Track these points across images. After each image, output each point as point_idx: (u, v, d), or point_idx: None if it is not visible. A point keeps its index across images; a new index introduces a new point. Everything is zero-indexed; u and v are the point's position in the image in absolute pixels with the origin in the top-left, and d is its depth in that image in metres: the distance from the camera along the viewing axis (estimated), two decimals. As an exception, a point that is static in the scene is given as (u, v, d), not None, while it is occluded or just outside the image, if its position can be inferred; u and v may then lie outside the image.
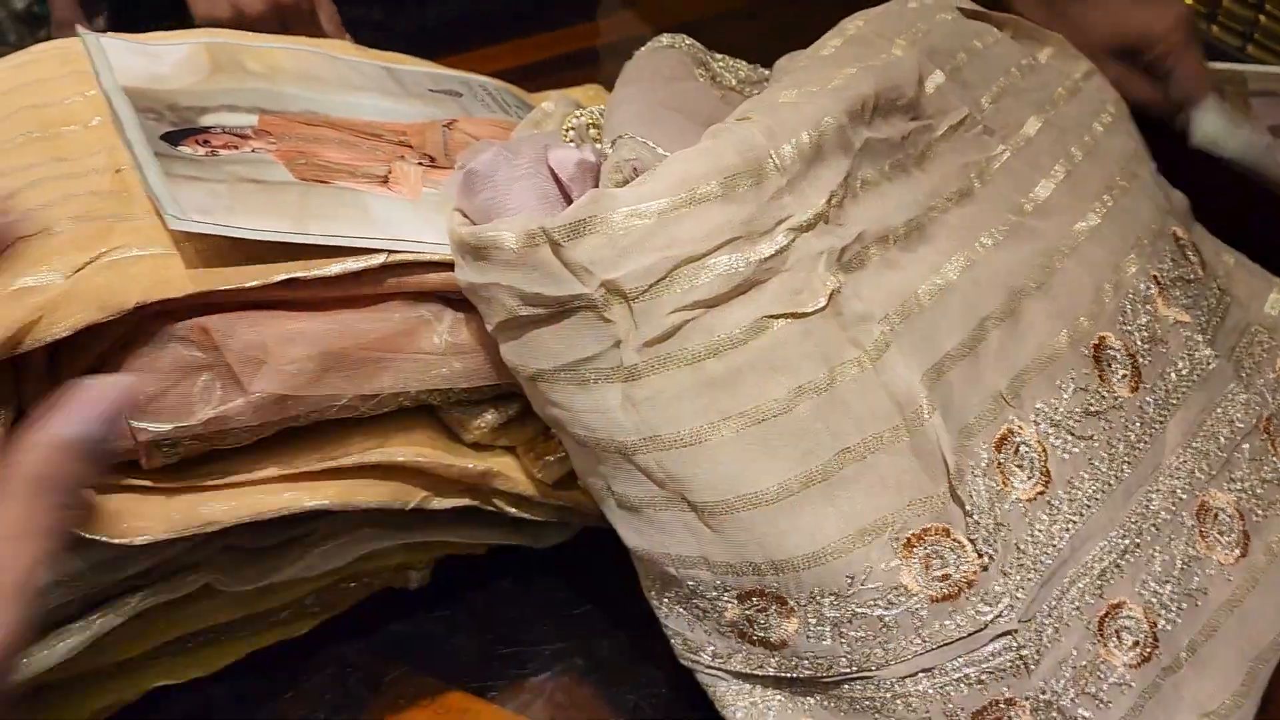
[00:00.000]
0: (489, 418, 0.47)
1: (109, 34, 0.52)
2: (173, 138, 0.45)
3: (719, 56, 0.58)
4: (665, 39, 0.56)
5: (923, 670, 0.40)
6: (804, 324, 0.40)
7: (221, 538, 0.44)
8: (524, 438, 0.48)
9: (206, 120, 0.47)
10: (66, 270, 0.39)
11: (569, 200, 0.44)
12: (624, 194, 0.40)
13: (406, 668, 0.50)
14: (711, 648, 0.43)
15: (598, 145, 0.47)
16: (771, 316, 0.40)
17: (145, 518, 0.41)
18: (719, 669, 0.43)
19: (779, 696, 0.43)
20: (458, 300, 0.45)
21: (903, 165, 0.47)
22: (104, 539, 0.40)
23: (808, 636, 0.41)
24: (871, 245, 0.43)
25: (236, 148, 0.46)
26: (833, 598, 0.40)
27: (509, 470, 0.48)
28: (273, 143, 0.47)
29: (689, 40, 0.57)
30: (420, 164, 0.50)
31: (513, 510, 0.49)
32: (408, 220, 0.45)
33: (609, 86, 0.67)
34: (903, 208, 0.45)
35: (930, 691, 0.40)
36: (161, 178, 0.41)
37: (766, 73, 0.58)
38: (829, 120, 0.43)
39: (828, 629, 0.40)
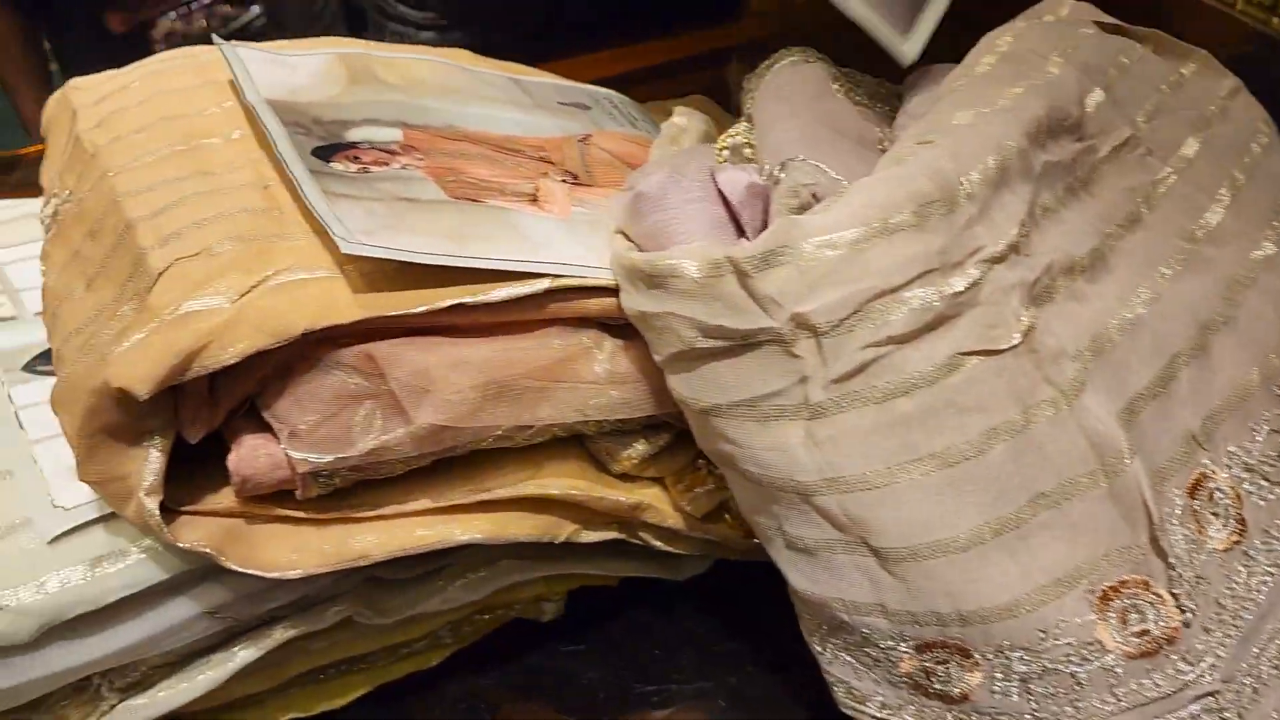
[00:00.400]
0: (639, 448, 0.45)
1: (241, 43, 0.50)
2: (323, 153, 0.43)
3: (844, 70, 0.56)
4: (795, 53, 0.54)
5: None
6: (998, 361, 0.38)
7: (366, 569, 0.43)
8: (672, 469, 0.46)
9: (351, 134, 0.45)
10: (232, 294, 0.37)
11: (738, 225, 0.42)
12: (813, 222, 0.38)
13: (539, 702, 0.49)
14: (880, 698, 0.41)
15: (760, 166, 0.45)
16: (964, 354, 0.38)
17: (297, 550, 0.39)
18: None
19: None
20: (616, 326, 0.43)
21: (1073, 190, 0.45)
22: (256, 573, 0.39)
23: (992, 692, 0.38)
24: (1059, 277, 0.41)
25: (386, 164, 0.44)
26: (1023, 652, 0.38)
27: (658, 503, 0.46)
28: (420, 159, 0.45)
29: (816, 53, 0.55)
30: (564, 181, 0.48)
31: (659, 544, 0.47)
32: (565, 242, 0.43)
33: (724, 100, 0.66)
34: (1083, 236, 0.43)
35: None
36: (322, 197, 0.40)
37: (895, 88, 0.56)
38: (1011, 144, 0.41)
39: (1015, 685, 0.38)
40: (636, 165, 0.52)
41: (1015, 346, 0.38)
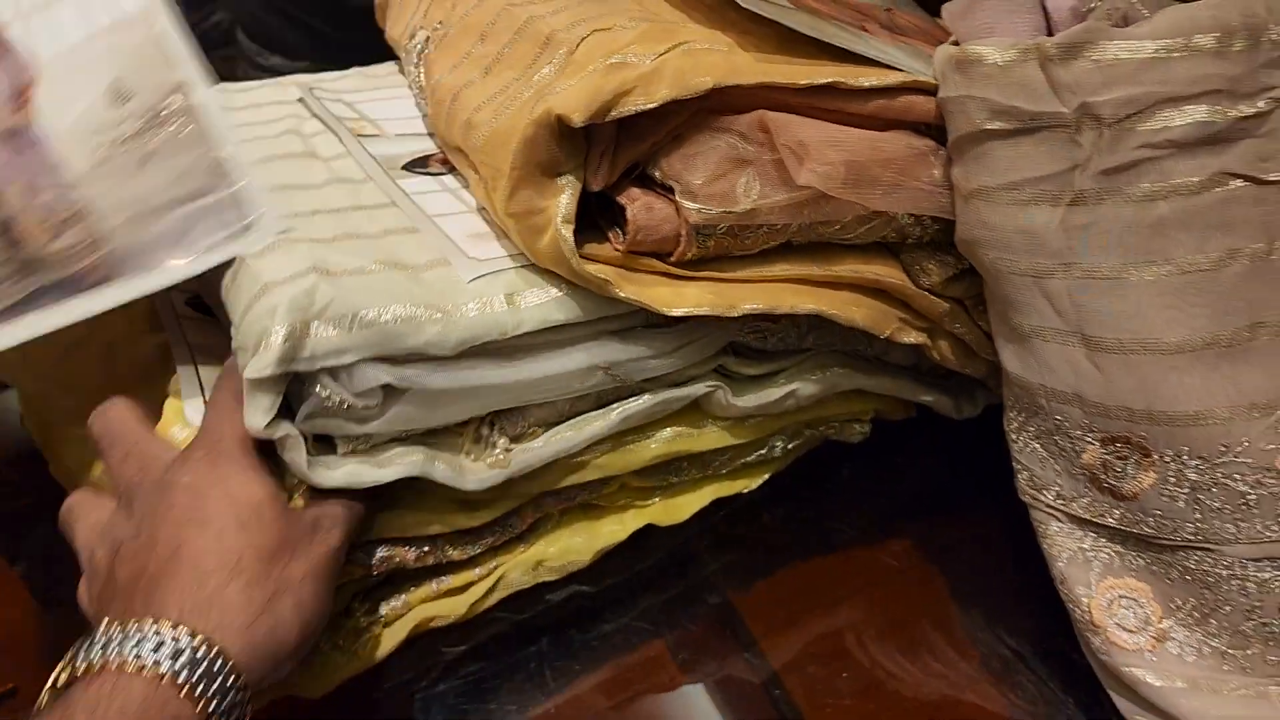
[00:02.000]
0: (950, 260, 0.49)
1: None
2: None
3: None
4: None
5: (1269, 559, 0.41)
6: (1260, 190, 0.41)
7: (719, 357, 0.48)
8: (974, 291, 0.50)
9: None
10: (651, 55, 0.42)
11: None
12: (1120, 30, 0.41)
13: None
14: (1057, 488, 0.45)
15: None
16: (1230, 174, 0.41)
17: (680, 295, 0.44)
18: (1059, 509, 0.45)
19: (1109, 550, 0.44)
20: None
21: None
22: (647, 304, 0.43)
23: (1161, 494, 0.42)
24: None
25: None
26: (1200, 461, 0.41)
27: (961, 317, 0.50)
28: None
29: None
30: (884, 29, 0.52)
31: (953, 360, 0.51)
32: (903, 58, 0.47)
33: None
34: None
35: (1272, 583, 0.41)
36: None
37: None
38: None
39: (1184, 491, 0.41)
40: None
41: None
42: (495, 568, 0.48)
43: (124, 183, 0.45)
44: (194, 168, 0.46)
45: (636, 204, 0.44)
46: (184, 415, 0.46)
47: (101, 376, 0.50)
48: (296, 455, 0.41)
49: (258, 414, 0.40)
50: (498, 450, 0.46)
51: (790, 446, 0.54)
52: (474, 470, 0.45)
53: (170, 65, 0.49)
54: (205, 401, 0.46)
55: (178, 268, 0.44)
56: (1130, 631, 0.43)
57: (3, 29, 0.50)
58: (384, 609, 0.46)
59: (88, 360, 0.52)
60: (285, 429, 0.40)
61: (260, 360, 0.39)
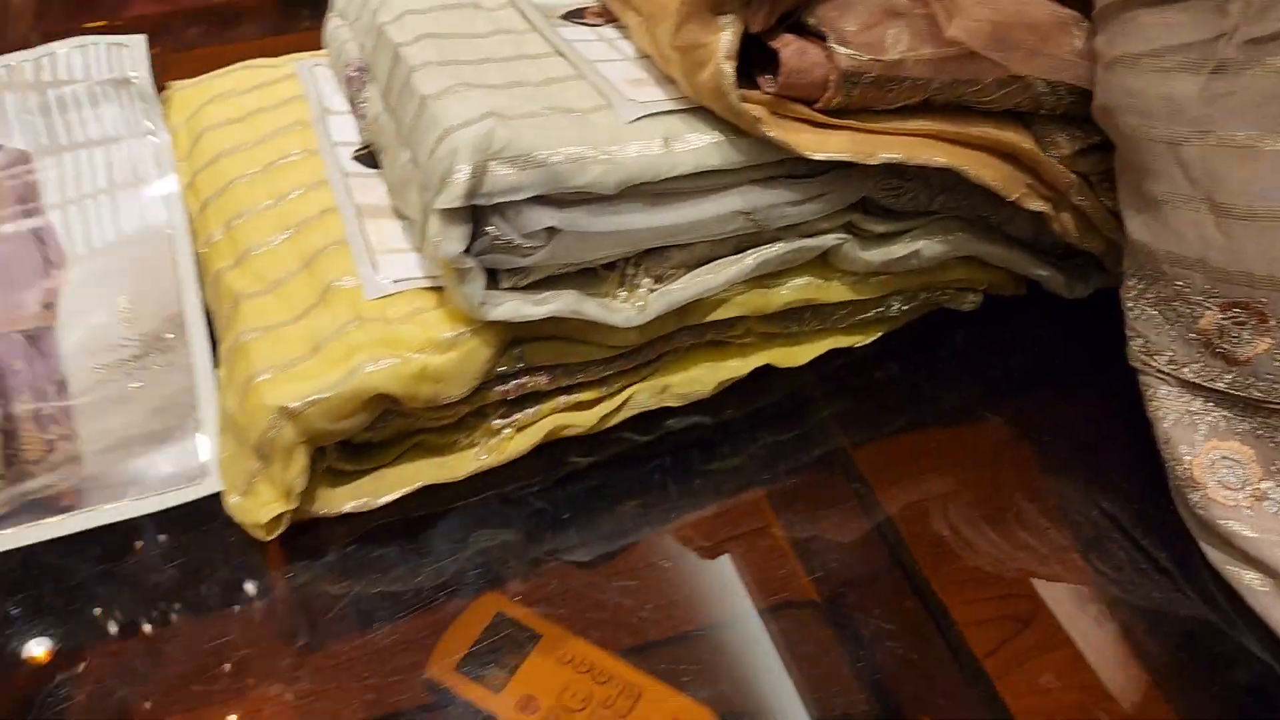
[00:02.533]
0: (1080, 134, 0.51)
1: None
2: None
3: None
4: None
5: None
6: None
7: (850, 212, 0.51)
8: (1100, 167, 0.52)
9: None
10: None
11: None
12: None
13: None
14: (1170, 353, 0.46)
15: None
16: None
17: (823, 142, 0.47)
18: (1169, 374, 0.47)
19: (1216, 414, 0.46)
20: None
21: None
22: (790, 146, 0.46)
23: (1274, 359, 0.43)
24: None
25: None
26: None
27: (1085, 191, 0.52)
28: None
29: None
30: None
31: (1073, 233, 0.53)
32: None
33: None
34: None
35: None
36: None
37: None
38: None
39: None
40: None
41: None
42: (624, 388, 0.51)
43: (109, 411, 0.50)
44: (169, 404, 0.50)
45: (790, 48, 0.46)
46: (354, 269, 0.49)
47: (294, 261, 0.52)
48: (475, 288, 0.45)
49: (454, 242, 0.44)
50: (642, 289, 0.49)
51: (906, 308, 0.56)
52: (621, 309, 0.48)
53: (176, 292, 0.54)
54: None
55: (137, 506, 0.48)
56: (1230, 489, 0.46)
57: (48, 214, 0.55)
58: (518, 415, 0.50)
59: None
60: (470, 261, 0.44)
61: (448, 194, 0.43)
